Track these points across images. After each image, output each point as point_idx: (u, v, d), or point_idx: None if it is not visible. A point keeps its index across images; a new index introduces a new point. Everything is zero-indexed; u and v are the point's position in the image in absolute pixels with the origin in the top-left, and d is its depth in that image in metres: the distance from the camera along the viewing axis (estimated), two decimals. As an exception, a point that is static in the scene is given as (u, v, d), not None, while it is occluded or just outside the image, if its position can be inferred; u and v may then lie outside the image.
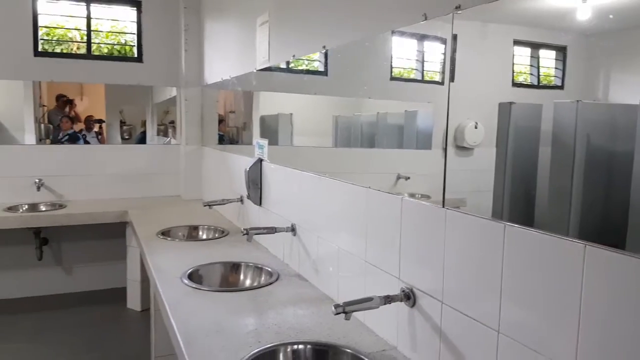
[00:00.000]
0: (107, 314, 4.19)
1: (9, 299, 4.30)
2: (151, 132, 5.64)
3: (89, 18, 4.35)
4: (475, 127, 1.54)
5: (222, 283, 2.48)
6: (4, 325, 3.91)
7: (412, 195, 2.13)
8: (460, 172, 1.53)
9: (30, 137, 4.52)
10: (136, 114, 5.10)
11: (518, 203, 1.56)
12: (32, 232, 4.15)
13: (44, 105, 4.64)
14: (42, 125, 4.77)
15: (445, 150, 1.46)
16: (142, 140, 5.01)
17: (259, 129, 3.56)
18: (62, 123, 4.70)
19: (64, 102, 4.90)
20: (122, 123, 5.09)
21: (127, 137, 5.07)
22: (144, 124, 5.10)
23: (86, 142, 4.87)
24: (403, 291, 1.57)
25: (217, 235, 3.23)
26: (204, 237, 3.33)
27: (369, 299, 1.53)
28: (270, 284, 2.25)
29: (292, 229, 2.46)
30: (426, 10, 1.48)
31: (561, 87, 1.57)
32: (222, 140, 4.22)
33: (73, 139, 4.68)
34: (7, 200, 4.11)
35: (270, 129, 3.41)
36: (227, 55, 3.72)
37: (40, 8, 4.20)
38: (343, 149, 2.84)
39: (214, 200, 3.43)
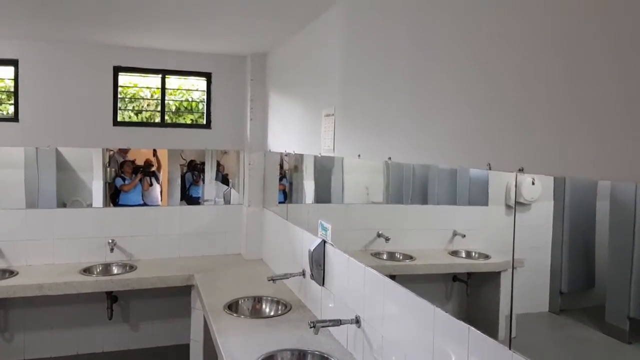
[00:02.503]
0: (171, 374, 4.32)
1: (77, 354, 4.50)
2: (209, 174, 5.88)
3: (163, 89, 4.65)
4: (533, 184, 1.53)
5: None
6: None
7: (468, 254, 2.10)
8: (517, 229, 1.51)
9: (97, 183, 4.78)
10: (196, 156, 5.30)
11: (577, 261, 1.51)
12: (104, 291, 4.36)
13: (110, 150, 4.90)
14: (108, 169, 5.05)
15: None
16: (182, 185, 5.17)
17: (312, 167, 3.66)
18: (125, 167, 4.92)
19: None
20: (182, 165, 5.33)
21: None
22: (188, 166, 5.26)
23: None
24: None
25: (280, 310, 3.32)
26: (267, 310, 3.44)
27: None
28: (337, 382, 2.30)
29: (357, 321, 2.49)
30: (491, 162, 1.52)
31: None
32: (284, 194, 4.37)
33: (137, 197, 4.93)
34: (83, 260, 4.38)
35: (323, 167, 3.48)
36: (289, 130, 3.87)
37: (120, 81, 4.53)
38: (395, 205, 2.85)
39: (277, 274, 3.54)
